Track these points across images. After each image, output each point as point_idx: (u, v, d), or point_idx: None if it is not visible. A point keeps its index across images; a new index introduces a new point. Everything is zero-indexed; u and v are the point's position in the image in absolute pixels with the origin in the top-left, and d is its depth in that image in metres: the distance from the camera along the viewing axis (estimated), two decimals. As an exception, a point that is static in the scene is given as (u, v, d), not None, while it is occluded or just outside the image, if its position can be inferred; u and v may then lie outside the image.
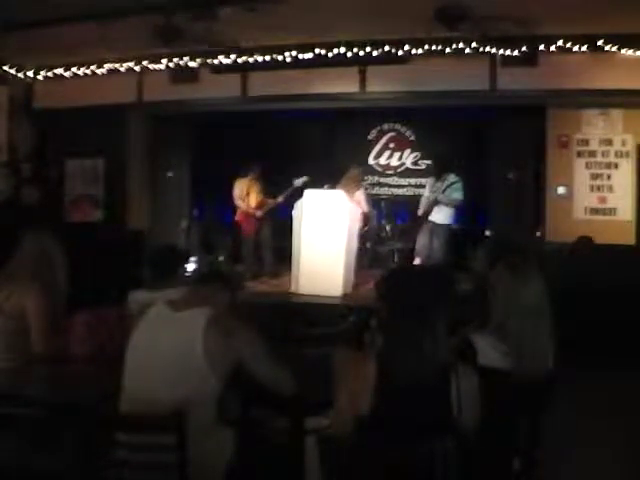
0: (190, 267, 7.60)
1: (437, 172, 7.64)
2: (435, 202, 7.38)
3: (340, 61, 6.79)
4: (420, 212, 7.41)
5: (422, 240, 7.34)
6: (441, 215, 7.30)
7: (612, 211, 6.83)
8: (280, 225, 7.83)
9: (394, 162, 9.88)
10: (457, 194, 7.24)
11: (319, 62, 6.81)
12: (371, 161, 9.93)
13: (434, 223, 7.28)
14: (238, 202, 7.76)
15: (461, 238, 7.48)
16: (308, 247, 6.44)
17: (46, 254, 3.21)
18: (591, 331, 5.47)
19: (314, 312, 5.51)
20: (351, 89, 7.15)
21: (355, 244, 6.89)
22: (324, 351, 2.82)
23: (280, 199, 7.71)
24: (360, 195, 7.62)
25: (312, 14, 5.82)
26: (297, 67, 6.91)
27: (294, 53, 6.74)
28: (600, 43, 6.05)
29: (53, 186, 7.94)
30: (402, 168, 9.86)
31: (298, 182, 7.37)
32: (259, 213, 7.72)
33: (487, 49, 6.34)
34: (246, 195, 7.78)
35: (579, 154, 6.92)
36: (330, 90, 7.22)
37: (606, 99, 6.63)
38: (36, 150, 8.08)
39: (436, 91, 6.94)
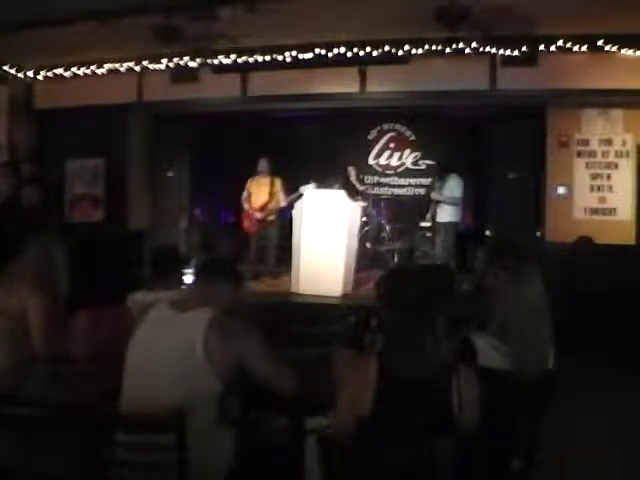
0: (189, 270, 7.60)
1: (439, 172, 7.70)
2: (436, 202, 7.45)
3: (340, 61, 6.78)
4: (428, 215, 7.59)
5: (437, 242, 7.49)
6: (444, 214, 7.35)
7: (612, 211, 6.82)
8: (281, 225, 7.86)
9: (394, 162, 9.89)
10: (453, 191, 7.28)
11: (319, 62, 6.80)
12: (371, 161, 9.94)
13: (439, 222, 7.35)
14: (243, 202, 7.83)
15: (462, 238, 7.51)
16: (308, 247, 6.44)
17: (48, 255, 3.21)
18: (591, 331, 5.47)
19: (314, 312, 5.51)
20: (351, 89, 7.15)
21: (355, 244, 6.89)
22: (324, 351, 2.82)
23: (283, 203, 7.72)
24: None
25: (312, 14, 5.82)
26: (297, 67, 6.91)
27: (294, 53, 6.74)
28: (600, 43, 6.05)
29: (53, 186, 7.94)
30: (402, 168, 9.87)
31: (304, 189, 7.34)
32: (259, 215, 7.73)
33: (487, 49, 6.34)
34: (248, 195, 7.81)
35: (579, 154, 6.92)
36: (330, 90, 7.22)
37: (606, 99, 6.63)
38: (36, 150, 8.08)
39: (436, 91, 6.94)
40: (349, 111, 8.59)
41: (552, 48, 6.20)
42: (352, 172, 8.76)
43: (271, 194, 7.75)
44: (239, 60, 6.97)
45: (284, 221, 7.80)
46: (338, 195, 6.61)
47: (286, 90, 7.27)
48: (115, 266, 6.68)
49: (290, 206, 7.26)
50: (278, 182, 7.80)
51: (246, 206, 7.78)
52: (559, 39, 6.13)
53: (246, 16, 5.59)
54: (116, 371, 2.34)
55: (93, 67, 7.40)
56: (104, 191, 8.06)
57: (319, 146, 9.45)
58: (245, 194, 7.82)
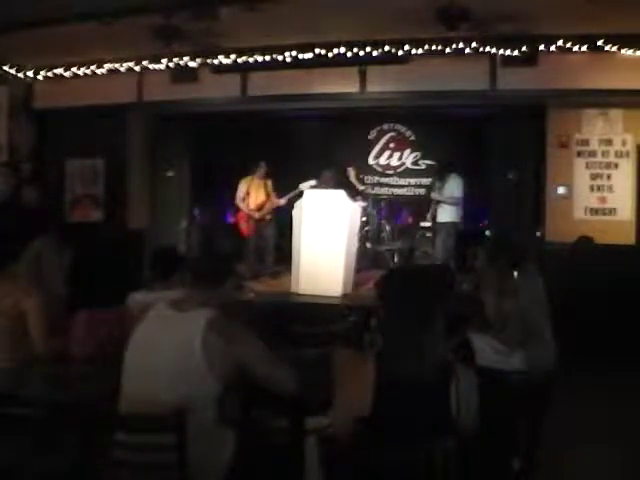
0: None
1: (439, 172, 7.71)
2: (436, 202, 7.47)
3: (340, 61, 6.78)
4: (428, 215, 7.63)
5: (437, 242, 7.50)
6: (444, 214, 7.36)
7: (612, 211, 6.82)
8: (281, 225, 7.87)
9: (394, 162, 9.89)
10: (453, 191, 7.29)
11: (319, 62, 6.80)
12: (371, 161, 9.94)
13: (439, 223, 7.36)
14: (239, 203, 7.81)
15: (462, 238, 7.51)
16: (308, 247, 6.44)
17: (47, 255, 3.21)
18: (591, 331, 5.47)
19: (314, 312, 5.51)
20: (351, 89, 7.15)
21: (355, 244, 6.89)
22: (324, 351, 2.82)
23: (282, 201, 7.73)
24: None
25: (312, 14, 5.82)
26: (297, 67, 6.91)
27: (294, 53, 6.74)
28: (600, 43, 6.04)
29: (53, 186, 7.94)
30: (402, 168, 9.87)
31: (304, 186, 7.34)
32: (257, 215, 7.74)
33: (487, 49, 6.34)
34: (246, 195, 7.80)
35: (579, 154, 6.91)
36: (330, 90, 7.22)
37: (606, 99, 6.62)
38: (36, 150, 8.08)
39: (436, 91, 6.93)
40: (349, 111, 8.58)
41: (552, 48, 6.20)
42: (352, 172, 8.76)
43: (267, 194, 7.79)
44: (239, 60, 6.97)
45: (282, 221, 7.81)
46: (338, 195, 6.60)
47: (286, 90, 7.27)
48: (115, 266, 6.69)
49: (290, 205, 7.27)
50: (269, 183, 7.93)
51: (243, 207, 7.78)
52: (559, 39, 6.13)
53: (246, 16, 5.59)
54: (116, 371, 2.34)
55: (93, 67, 7.40)
56: (104, 191, 8.06)
57: (319, 146, 9.45)
58: (241, 195, 7.80)
